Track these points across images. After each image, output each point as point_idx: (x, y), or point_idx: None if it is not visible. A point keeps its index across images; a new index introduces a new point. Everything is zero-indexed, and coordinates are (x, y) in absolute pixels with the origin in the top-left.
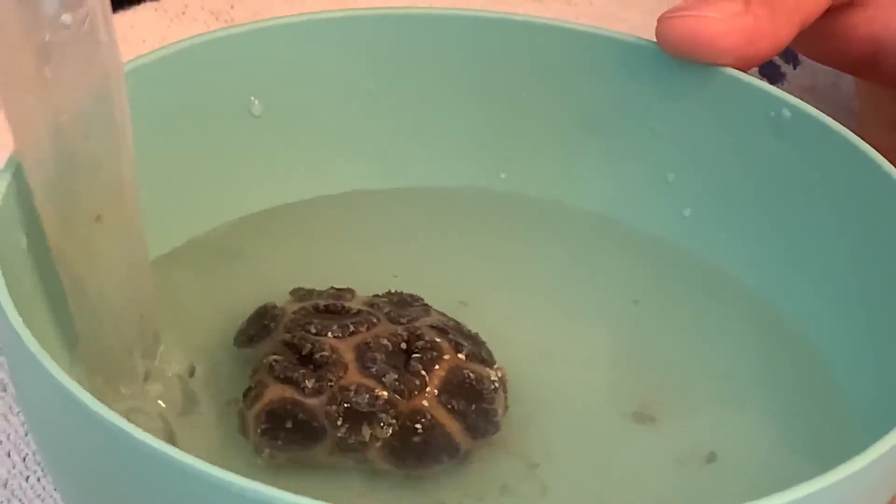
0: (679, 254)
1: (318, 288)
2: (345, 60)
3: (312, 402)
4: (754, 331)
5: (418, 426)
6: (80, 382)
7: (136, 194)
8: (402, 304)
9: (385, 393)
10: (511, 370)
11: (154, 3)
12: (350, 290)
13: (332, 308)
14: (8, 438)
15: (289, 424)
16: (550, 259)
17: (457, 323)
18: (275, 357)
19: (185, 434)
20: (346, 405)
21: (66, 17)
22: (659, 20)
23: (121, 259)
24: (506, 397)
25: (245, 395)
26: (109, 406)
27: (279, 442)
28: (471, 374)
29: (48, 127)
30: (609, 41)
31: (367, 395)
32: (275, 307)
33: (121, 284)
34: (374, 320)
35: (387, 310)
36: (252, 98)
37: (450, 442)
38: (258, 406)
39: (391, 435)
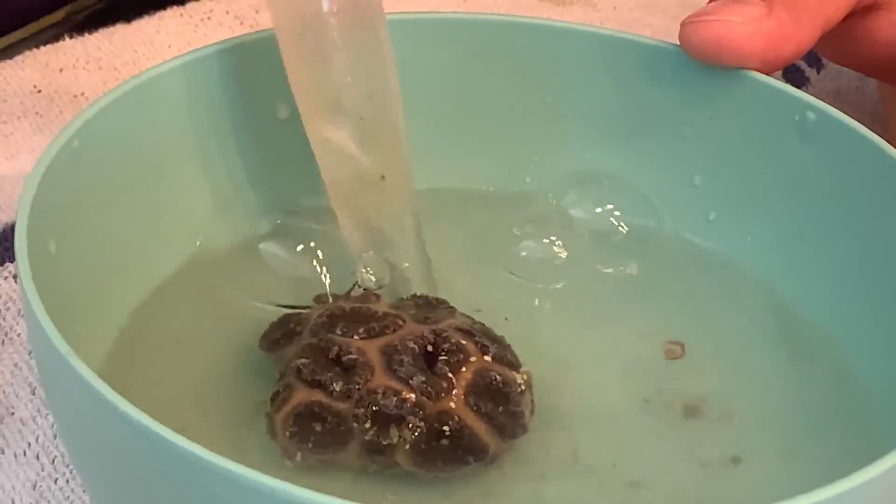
0: (704, 258)
1: (342, 292)
2: None
3: (340, 405)
4: (780, 335)
5: (446, 428)
6: None
7: (408, 155)
8: (428, 306)
9: (412, 395)
10: (535, 373)
11: (180, 9)
12: (375, 294)
13: (358, 311)
14: (37, 441)
15: (317, 427)
16: (573, 262)
17: (482, 325)
18: (302, 360)
19: (212, 436)
20: (373, 408)
21: None
22: (682, 24)
23: (402, 215)
24: (532, 400)
25: (273, 398)
26: None
27: (307, 445)
28: (497, 377)
29: (336, 91)
30: (633, 45)
31: (395, 398)
32: (300, 311)
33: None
34: (400, 322)
35: (412, 312)
36: (278, 102)
37: (477, 444)
38: (286, 409)
39: (418, 437)
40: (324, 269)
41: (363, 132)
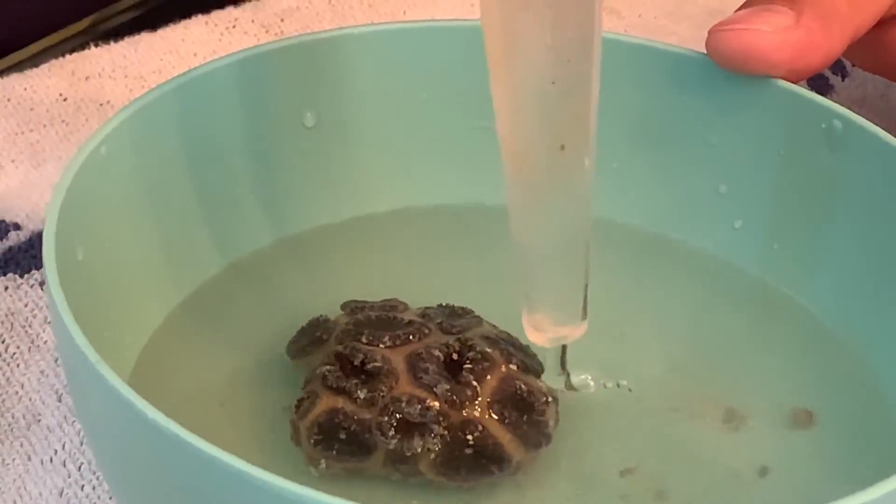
0: (730, 266)
1: (369, 301)
2: (396, 72)
3: (364, 412)
4: (806, 345)
5: (469, 437)
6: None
7: (596, 127)
8: (454, 315)
9: (436, 403)
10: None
11: (205, 17)
12: (402, 303)
13: (384, 319)
14: (63, 448)
15: (341, 435)
16: (601, 271)
17: (508, 334)
18: (327, 367)
19: (239, 442)
20: (397, 416)
21: None
22: (710, 33)
23: (576, 191)
24: (557, 409)
25: (297, 405)
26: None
27: (332, 452)
28: (522, 386)
29: (538, 48)
30: (660, 54)
31: (419, 406)
32: (327, 319)
33: (573, 218)
34: (426, 331)
35: (438, 320)
36: (304, 110)
37: (501, 453)
38: (310, 416)
39: (443, 446)
40: (349, 278)
41: (551, 96)
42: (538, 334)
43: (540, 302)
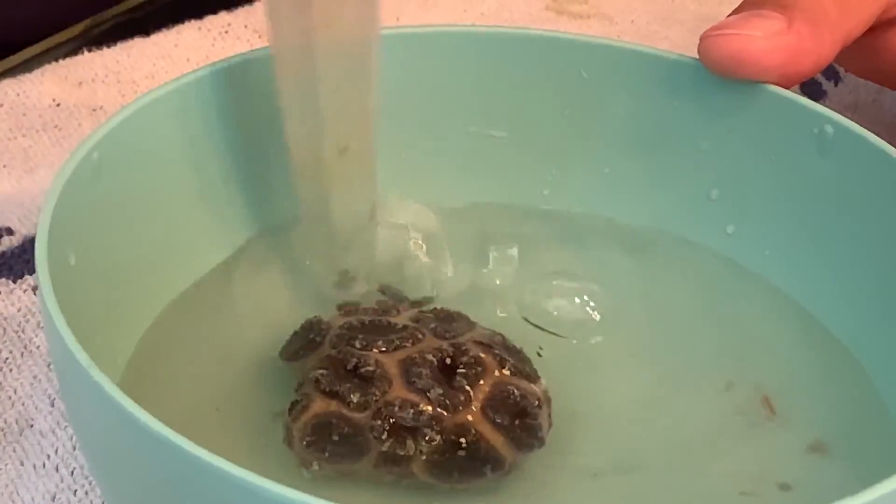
0: (722, 272)
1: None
2: (390, 77)
3: (357, 416)
4: (800, 346)
5: (462, 441)
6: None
7: (375, 130)
8: (448, 319)
9: (429, 408)
10: (555, 386)
11: (198, 23)
12: (396, 306)
13: (378, 323)
14: (56, 453)
15: (334, 438)
16: (595, 274)
17: (502, 338)
18: (321, 371)
19: (230, 445)
20: (390, 420)
21: None
22: (701, 38)
23: (359, 190)
24: (550, 413)
25: (291, 408)
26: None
27: (324, 454)
28: (515, 390)
29: (310, 53)
30: (652, 59)
31: (412, 410)
32: (321, 321)
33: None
34: (420, 336)
35: (432, 325)
36: None
37: (494, 456)
38: (304, 419)
39: (435, 449)
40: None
41: (334, 100)
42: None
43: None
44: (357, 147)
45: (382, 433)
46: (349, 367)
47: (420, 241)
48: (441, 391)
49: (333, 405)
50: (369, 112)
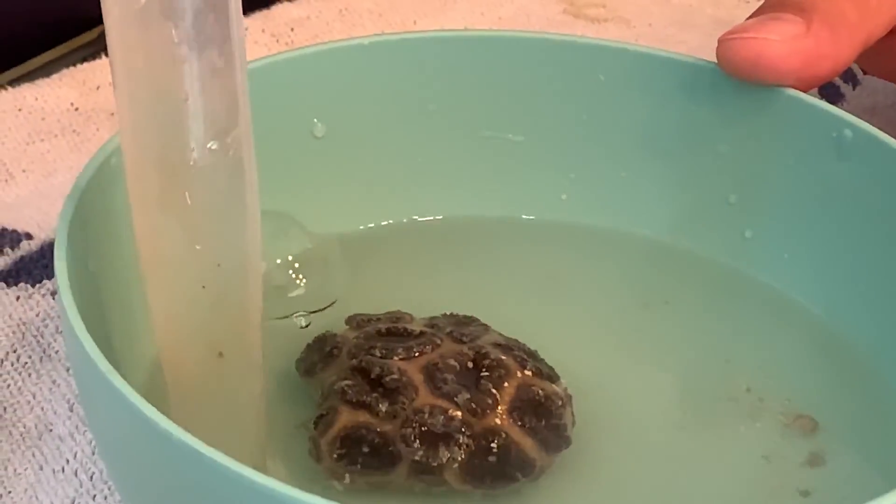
0: (740, 276)
1: (374, 314)
2: (406, 82)
3: (387, 426)
4: (817, 354)
5: (493, 445)
6: None
7: (258, 333)
8: (461, 323)
9: (459, 413)
10: (574, 388)
11: None
12: (407, 314)
13: (394, 331)
14: (75, 457)
15: (365, 449)
16: (611, 279)
17: (517, 341)
18: (346, 382)
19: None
20: (422, 427)
21: (213, 144)
22: (719, 42)
23: (239, 395)
24: (573, 412)
25: (316, 422)
26: None
27: (356, 467)
28: (539, 391)
29: (181, 251)
30: (669, 63)
31: (442, 416)
32: (335, 335)
33: (237, 419)
34: (438, 341)
35: (448, 330)
36: (314, 120)
37: (524, 459)
38: (332, 432)
39: (467, 455)
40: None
41: (205, 299)
42: None
43: None
44: (236, 353)
45: (414, 441)
46: (373, 376)
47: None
48: (468, 396)
49: (361, 416)
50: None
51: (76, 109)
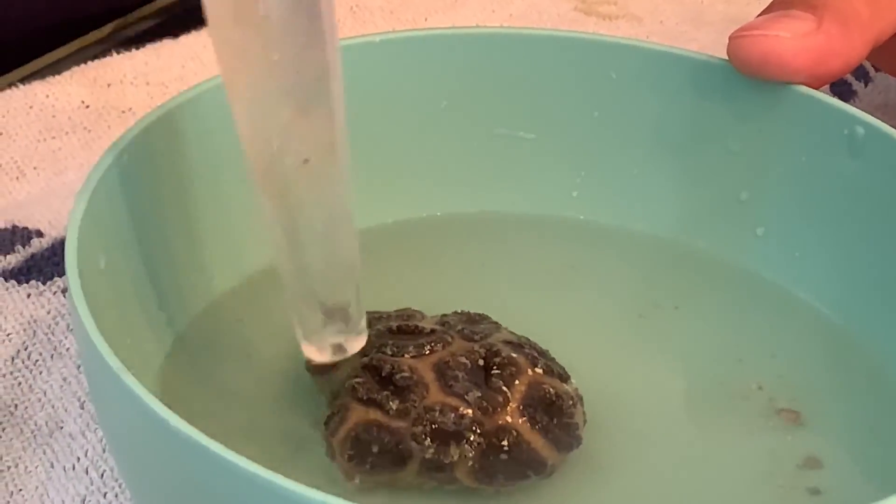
0: (752, 274)
1: (384, 311)
2: (417, 80)
3: (398, 424)
4: (829, 353)
5: (504, 443)
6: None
7: (344, 141)
8: (472, 321)
9: (470, 411)
10: (584, 387)
11: None
12: (417, 311)
13: (404, 328)
14: (86, 455)
15: (375, 449)
16: (621, 278)
17: (528, 339)
18: (357, 380)
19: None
20: (433, 425)
21: None
22: (730, 39)
23: (326, 206)
24: (584, 411)
25: (327, 420)
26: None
27: (367, 466)
28: (550, 389)
29: (262, 62)
30: (681, 60)
31: (453, 414)
32: None
33: (326, 233)
34: (449, 339)
35: (459, 327)
36: None
37: (536, 458)
38: (343, 431)
39: (478, 453)
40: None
41: (288, 107)
42: (319, 353)
43: (314, 324)
44: (319, 160)
45: (425, 439)
46: (384, 373)
47: None
48: (479, 394)
49: (372, 414)
50: (333, 122)
51: (87, 107)
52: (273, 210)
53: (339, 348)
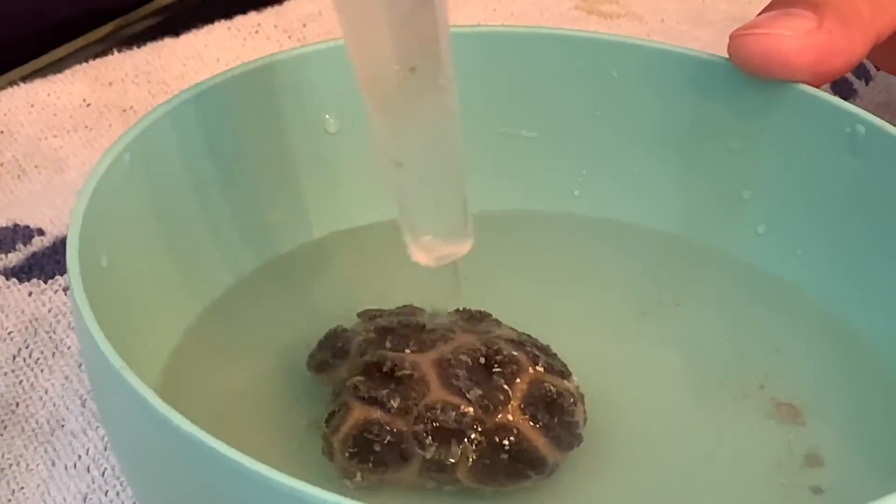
0: (753, 272)
1: (386, 308)
2: None
3: (399, 423)
4: (830, 350)
5: (506, 442)
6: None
7: (448, 48)
8: (473, 319)
9: (471, 409)
10: (585, 385)
11: (227, 23)
12: (419, 309)
13: (406, 324)
14: (87, 453)
15: (376, 447)
16: (624, 275)
17: (529, 336)
18: (358, 378)
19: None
20: (434, 424)
21: None
22: (731, 38)
23: (434, 111)
24: (585, 409)
25: (328, 419)
26: None
27: (367, 465)
28: (552, 388)
29: None
30: (682, 58)
31: (454, 412)
32: (346, 330)
33: (438, 136)
34: (450, 336)
35: (460, 325)
36: (326, 115)
37: (536, 456)
38: (343, 429)
39: (479, 452)
40: (359, 288)
41: (395, 17)
42: (425, 255)
43: (422, 223)
44: (427, 68)
45: (426, 438)
46: (385, 369)
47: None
48: (480, 392)
49: (373, 412)
50: (438, 29)
51: (88, 105)
52: (380, 119)
53: (446, 251)
